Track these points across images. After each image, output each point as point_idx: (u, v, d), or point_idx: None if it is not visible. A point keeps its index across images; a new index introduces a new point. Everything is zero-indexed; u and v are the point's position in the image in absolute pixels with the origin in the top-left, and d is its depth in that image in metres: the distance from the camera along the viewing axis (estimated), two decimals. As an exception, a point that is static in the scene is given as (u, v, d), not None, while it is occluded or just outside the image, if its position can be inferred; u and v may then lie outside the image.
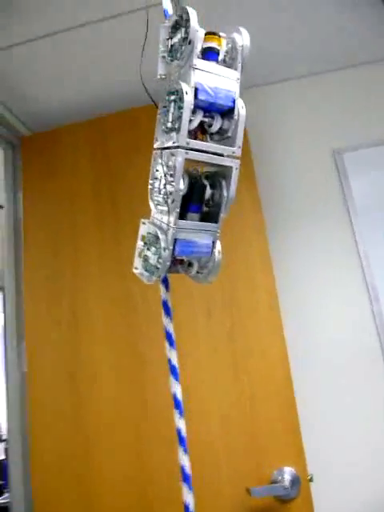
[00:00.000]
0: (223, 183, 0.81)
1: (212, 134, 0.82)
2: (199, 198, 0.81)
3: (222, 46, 0.80)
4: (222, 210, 0.82)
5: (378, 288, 1.89)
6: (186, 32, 0.76)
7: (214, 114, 0.80)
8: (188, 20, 0.75)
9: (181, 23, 0.78)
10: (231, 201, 0.81)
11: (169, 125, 0.77)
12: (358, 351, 1.88)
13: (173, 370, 0.88)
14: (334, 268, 1.98)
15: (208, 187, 0.82)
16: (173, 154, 0.76)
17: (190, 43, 0.75)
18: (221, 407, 1.70)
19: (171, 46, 0.81)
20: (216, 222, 0.83)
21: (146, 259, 0.84)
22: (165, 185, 0.77)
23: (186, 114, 0.74)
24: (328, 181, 2.08)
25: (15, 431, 1.88)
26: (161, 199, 0.79)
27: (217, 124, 0.80)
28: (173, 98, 0.77)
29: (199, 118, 0.78)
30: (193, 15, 0.75)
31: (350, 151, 2.08)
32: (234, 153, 0.80)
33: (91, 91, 2.11)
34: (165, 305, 0.91)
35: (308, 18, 1.86)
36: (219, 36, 0.80)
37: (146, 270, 0.83)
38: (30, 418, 1.83)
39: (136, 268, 0.87)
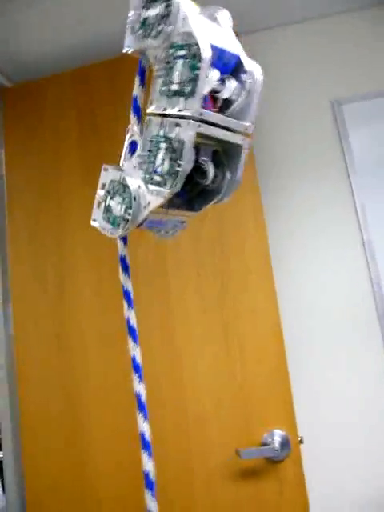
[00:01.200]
0: (225, 163, 0.69)
1: (222, 107, 0.68)
2: (194, 184, 0.69)
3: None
4: (221, 195, 0.70)
5: (374, 246, 1.82)
6: (167, 9, 0.63)
7: (226, 79, 0.66)
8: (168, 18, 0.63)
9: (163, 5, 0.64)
10: (236, 187, 0.70)
11: (174, 87, 0.63)
12: (353, 311, 1.82)
13: (131, 331, 0.80)
14: (331, 225, 1.89)
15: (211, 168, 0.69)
16: (178, 125, 0.63)
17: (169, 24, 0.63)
18: (210, 370, 1.66)
19: (144, 19, 0.67)
20: (197, 211, 0.73)
21: (108, 210, 0.74)
22: (163, 161, 0.65)
23: (204, 75, 0.60)
24: (325, 133, 1.96)
25: (3, 397, 1.86)
26: (158, 178, 0.66)
27: (227, 90, 0.65)
28: (181, 53, 0.62)
29: (214, 81, 0.64)
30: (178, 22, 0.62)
31: (350, 103, 1.95)
32: (246, 129, 0.68)
33: (76, 39, 1.97)
34: (123, 261, 0.81)
35: None
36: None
37: (111, 223, 0.74)
38: (17, 383, 1.80)
39: (94, 220, 0.77)
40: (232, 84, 0.66)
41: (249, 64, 0.67)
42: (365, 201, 1.85)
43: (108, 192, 0.74)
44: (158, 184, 0.66)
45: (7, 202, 1.93)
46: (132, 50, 0.70)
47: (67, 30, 1.90)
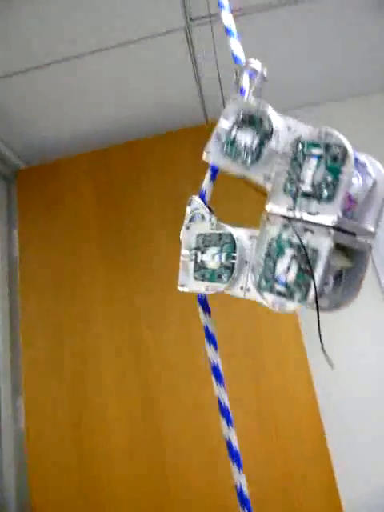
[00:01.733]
0: (345, 279, 0.62)
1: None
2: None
3: None
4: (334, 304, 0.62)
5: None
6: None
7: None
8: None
9: (257, 123, 0.63)
10: (353, 296, 0.62)
11: (306, 188, 0.57)
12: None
13: (224, 412, 0.72)
14: (361, 307, 1.87)
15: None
16: (310, 231, 0.56)
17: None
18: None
19: (234, 138, 0.66)
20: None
21: (201, 267, 0.68)
22: (288, 269, 0.58)
23: (347, 180, 0.54)
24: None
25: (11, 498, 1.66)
26: (282, 288, 0.58)
27: (354, 188, 0.58)
28: (316, 152, 0.57)
29: (357, 186, 0.57)
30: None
31: None
32: (370, 235, 0.60)
33: (87, 124, 1.99)
34: (207, 331, 0.75)
35: None
36: None
37: (207, 279, 0.67)
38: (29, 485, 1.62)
39: (182, 285, 0.70)
40: (358, 181, 0.58)
41: (363, 157, 0.60)
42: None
43: (197, 248, 0.69)
44: (281, 295, 0.58)
45: (20, 284, 1.84)
46: (217, 166, 0.69)
47: (83, 116, 1.93)
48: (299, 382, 1.57)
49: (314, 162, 0.57)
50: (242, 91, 0.68)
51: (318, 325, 0.56)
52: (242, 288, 0.64)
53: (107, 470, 1.60)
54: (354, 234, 0.59)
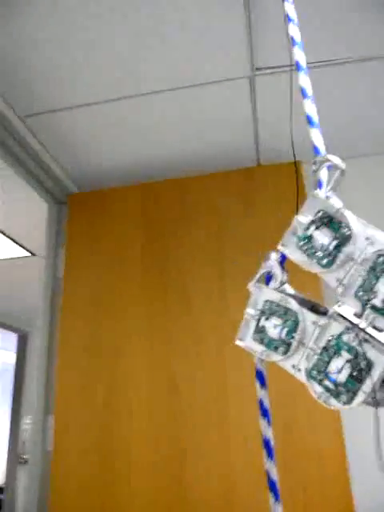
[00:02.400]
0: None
1: None
2: None
3: None
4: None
5: None
6: (342, 240, 0.61)
7: None
8: (349, 239, 0.61)
9: (336, 225, 0.63)
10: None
11: (378, 303, 0.57)
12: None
13: (272, 487, 0.76)
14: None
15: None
16: (369, 342, 0.56)
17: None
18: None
19: (311, 235, 0.67)
20: None
21: (261, 330, 0.69)
22: (341, 370, 0.59)
23: None
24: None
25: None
26: (330, 385, 0.59)
27: None
28: None
29: None
30: (360, 239, 0.59)
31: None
32: None
33: (143, 157, 2.04)
34: (261, 404, 0.76)
35: None
36: None
37: (264, 344, 0.69)
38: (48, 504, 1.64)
39: (240, 339, 0.72)
40: None
41: None
42: None
43: (262, 312, 0.69)
44: (328, 390, 0.60)
45: (62, 306, 1.89)
46: (290, 256, 0.68)
47: (141, 149, 1.97)
48: (330, 438, 1.55)
49: None
50: (319, 184, 0.69)
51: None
52: (293, 366, 0.65)
53: (128, 498, 1.61)
54: None
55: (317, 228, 0.66)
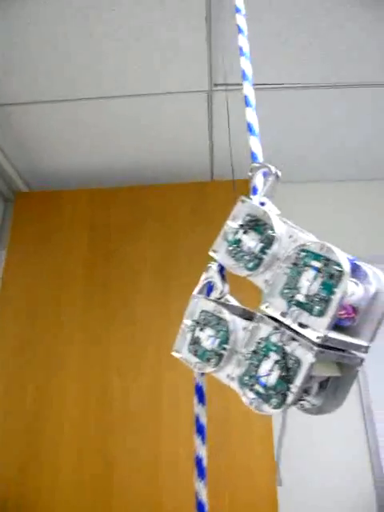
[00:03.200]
0: (330, 386, 0.61)
1: None
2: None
3: None
4: (319, 409, 0.61)
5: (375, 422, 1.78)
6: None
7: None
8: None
9: (261, 230, 0.63)
10: (336, 407, 0.61)
11: (300, 297, 0.57)
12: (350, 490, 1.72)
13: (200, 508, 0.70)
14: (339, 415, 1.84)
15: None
16: (296, 340, 0.56)
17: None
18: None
19: (239, 240, 0.66)
20: None
21: (196, 342, 0.68)
22: (270, 372, 0.58)
23: (340, 302, 0.53)
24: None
25: None
26: (261, 390, 0.58)
27: (354, 297, 0.58)
28: (315, 264, 0.57)
29: (358, 296, 0.58)
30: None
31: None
32: (363, 350, 0.58)
33: (96, 162, 2.02)
34: (197, 421, 0.73)
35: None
36: None
37: (197, 356, 0.67)
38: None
39: (176, 351, 0.70)
40: (359, 291, 0.58)
41: (367, 268, 0.60)
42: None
43: (197, 322, 0.68)
44: (259, 395, 0.58)
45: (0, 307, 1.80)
46: (221, 261, 0.68)
47: (95, 153, 1.95)
48: (261, 459, 1.54)
49: (312, 273, 0.57)
50: (254, 190, 0.69)
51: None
52: (228, 376, 0.63)
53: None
54: (343, 350, 0.58)
55: (244, 232, 0.66)
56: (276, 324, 0.59)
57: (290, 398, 0.54)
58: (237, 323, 0.64)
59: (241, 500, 1.51)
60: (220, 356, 0.63)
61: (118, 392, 1.64)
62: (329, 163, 2.06)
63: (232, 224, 0.68)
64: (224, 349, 0.62)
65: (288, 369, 0.56)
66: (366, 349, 0.59)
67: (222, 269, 0.73)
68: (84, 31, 1.41)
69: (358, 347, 0.58)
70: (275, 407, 0.56)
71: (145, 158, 1.96)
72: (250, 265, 0.64)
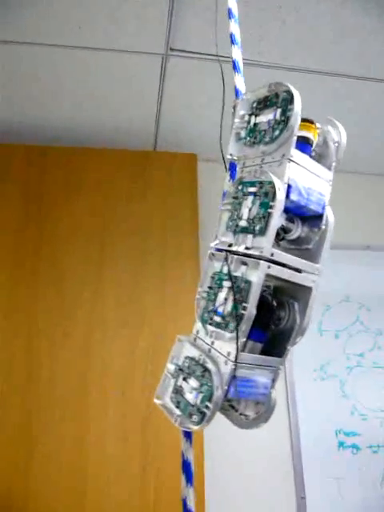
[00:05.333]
0: (296, 306, 0.64)
1: (282, 239, 0.65)
2: (266, 323, 0.63)
3: (316, 138, 0.65)
4: (290, 342, 0.63)
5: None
6: (284, 114, 0.60)
7: (295, 218, 0.64)
8: (289, 101, 0.60)
9: (275, 102, 0.63)
10: (304, 331, 0.63)
11: (242, 223, 0.60)
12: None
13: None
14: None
15: (276, 309, 0.65)
16: (245, 263, 0.58)
17: (288, 130, 0.59)
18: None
19: (254, 124, 0.65)
20: (280, 355, 0.62)
21: (178, 391, 0.63)
22: (225, 300, 0.59)
23: (276, 215, 0.57)
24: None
25: None
26: (218, 319, 0.59)
27: (297, 231, 0.64)
28: (252, 190, 0.60)
29: (281, 220, 0.62)
30: (297, 97, 0.59)
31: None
32: (315, 271, 0.63)
33: (34, 116, 1.86)
34: (186, 467, 0.67)
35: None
36: (315, 125, 0.65)
37: (180, 409, 0.62)
38: None
39: (157, 397, 0.66)
40: (299, 228, 0.64)
41: (327, 209, 0.65)
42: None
43: (181, 370, 0.64)
44: (218, 325, 0.59)
45: None
46: (235, 157, 0.68)
47: (34, 106, 1.80)
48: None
49: (250, 198, 0.61)
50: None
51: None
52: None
53: None
54: (298, 270, 0.62)
55: (255, 113, 0.68)
56: (226, 255, 0.62)
57: (245, 318, 0.56)
58: (222, 373, 0.59)
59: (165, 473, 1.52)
60: (203, 414, 0.58)
61: (46, 359, 1.57)
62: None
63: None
64: (207, 407, 0.57)
65: (241, 290, 0.58)
66: (318, 271, 0.64)
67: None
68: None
69: (312, 268, 0.63)
70: (233, 331, 0.57)
71: (86, 118, 1.85)
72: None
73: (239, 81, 0.75)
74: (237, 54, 0.79)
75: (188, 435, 0.67)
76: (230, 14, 0.83)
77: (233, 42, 0.79)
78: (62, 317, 1.62)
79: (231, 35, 0.80)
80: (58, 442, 1.49)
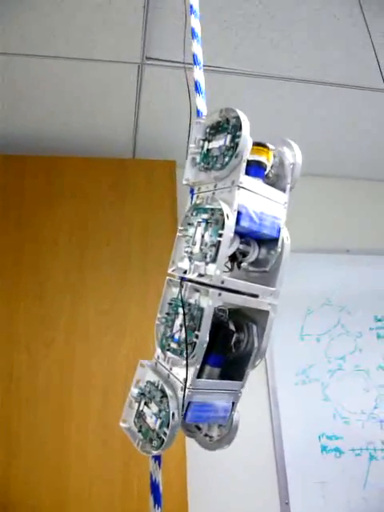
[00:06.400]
0: (253, 329, 0.63)
1: (241, 262, 0.65)
2: (223, 348, 0.63)
3: (270, 161, 0.65)
4: (249, 365, 0.63)
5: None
6: (233, 141, 0.60)
7: (251, 241, 0.64)
8: (238, 128, 0.60)
9: (226, 127, 0.63)
10: (263, 354, 0.63)
11: (196, 250, 0.60)
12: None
13: None
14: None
15: (234, 333, 0.64)
16: (197, 291, 0.59)
17: (237, 157, 0.59)
18: None
19: (208, 150, 0.65)
20: (240, 378, 0.63)
21: (141, 416, 0.63)
22: (181, 327, 0.59)
23: (226, 243, 0.56)
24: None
25: None
26: (175, 346, 0.60)
27: (253, 254, 0.64)
28: (204, 216, 0.60)
29: (236, 245, 0.62)
30: (245, 123, 0.59)
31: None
32: (272, 294, 0.63)
33: (11, 126, 1.85)
34: (155, 488, 0.66)
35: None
36: (268, 148, 0.65)
37: (142, 433, 0.62)
38: None
39: (124, 421, 0.66)
40: (255, 251, 0.65)
41: (283, 232, 0.65)
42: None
43: (143, 394, 0.65)
44: (175, 352, 0.60)
45: None
46: (191, 182, 0.67)
47: (14, 115, 1.79)
48: (175, 474, 1.54)
49: (203, 225, 0.61)
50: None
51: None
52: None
53: None
54: (254, 295, 0.62)
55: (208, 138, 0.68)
56: (181, 282, 0.62)
57: (197, 346, 0.56)
58: (178, 398, 0.60)
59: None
60: (162, 440, 0.59)
61: (27, 369, 1.56)
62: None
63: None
64: (165, 434, 0.58)
65: (193, 317, 0.58)
66: (276, 294, 0.63)
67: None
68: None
69: (264, 292, 0.63)
70: (187, 358, 0.57)
71: (65, 127, 1.84)
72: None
73: (200, 102, 0.74)
74: (199, 75, 0.78)
75: (156, 457, 0.67)
76: (193, 33, 0.83)
77: (195, 62, 0.79)
78: (44, 326, 1.61)
79: (194, 55, 0.80)
80: (39, 454, 1.49)
